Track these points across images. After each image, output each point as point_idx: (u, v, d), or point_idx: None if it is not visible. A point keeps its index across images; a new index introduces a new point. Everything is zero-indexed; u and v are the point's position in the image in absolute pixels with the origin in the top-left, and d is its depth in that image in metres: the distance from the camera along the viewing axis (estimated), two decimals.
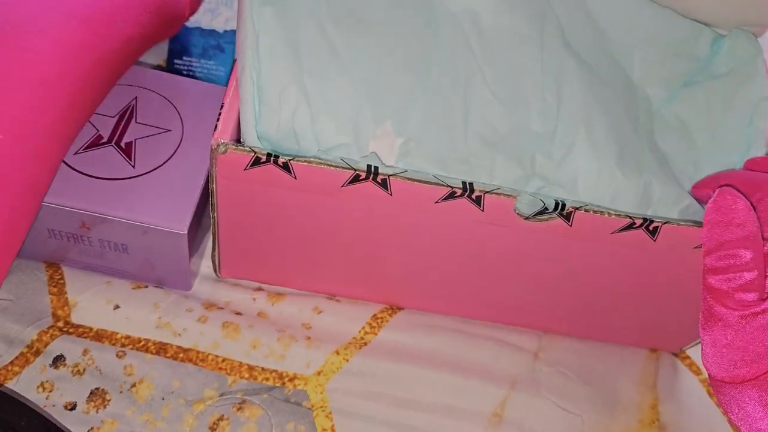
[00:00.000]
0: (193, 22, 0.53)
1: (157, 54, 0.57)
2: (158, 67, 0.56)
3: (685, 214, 0.39)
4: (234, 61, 0.53)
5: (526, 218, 0.37)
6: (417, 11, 0.40)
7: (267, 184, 0.36)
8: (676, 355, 0.51)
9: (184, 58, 0.53)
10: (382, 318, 0.48)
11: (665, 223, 0.37)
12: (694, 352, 0.51)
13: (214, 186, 0.37)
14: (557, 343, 0.50)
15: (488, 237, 0.39)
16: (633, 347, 0.51)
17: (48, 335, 0.44)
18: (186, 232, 0.40)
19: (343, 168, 0.35)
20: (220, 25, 0.54)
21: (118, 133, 0.43)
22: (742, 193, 0.34)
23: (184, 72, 0.54)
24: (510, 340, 0.49)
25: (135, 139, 0.43)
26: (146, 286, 0.46)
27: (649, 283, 0.42)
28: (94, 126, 0.43)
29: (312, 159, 0.35)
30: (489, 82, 0.39)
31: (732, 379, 0.31)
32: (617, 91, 0.42)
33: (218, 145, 0.34)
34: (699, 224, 0.37)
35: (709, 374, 0.33)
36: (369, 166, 0.35)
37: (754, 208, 0.33)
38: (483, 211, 0.36)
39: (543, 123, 0.39)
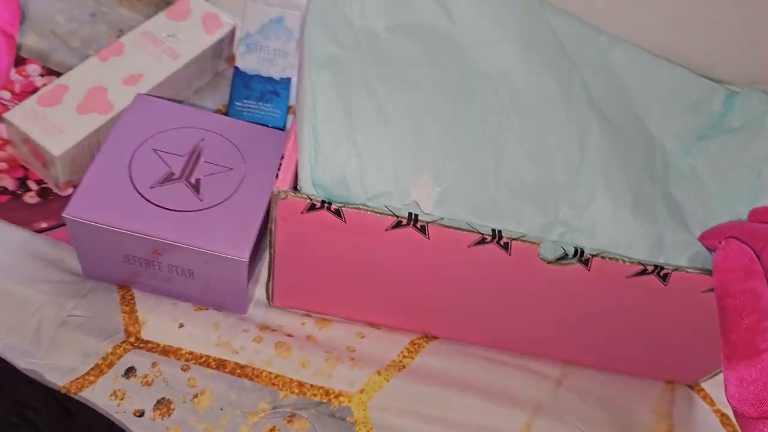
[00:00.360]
0: (252, 70, 0.59)
1: (219, 98, 0.63)
2: (219, 111, 0.62)
3: (695, 259, 0.43)
4: (288, 105, 0.59)
5: (549, 263, 0.41)
6: (455, 71, 0.45)
7: (320, 225, 0.41)
8: (691, 387, 0.55)
9: (245, 101, 0.59)
10: (419, 344, 0.53)
11: (675, 270, 0.41)
12: (709, 385, 0.55)
13: (273, 226, 0.42)
14: (579, 372, 0.54)
15: (515, 277, 0.43)
16: (650, 379, 0.54)
17: (121, 349, 0.49)
18: (247, 260, 0.45)
19: (387, 215, 0.39)
20: (276, 73, 0.60)
21: (188, 170, 0.48)
22: (745, 243, 0.37)
23: (245, 113, 0.59)
24: (535, 368, 0.53)
25: (202, 176, 0.48)
26: (207, 309, 0.52)
27: (663, 321, 0.46)
28: (167, 164, 0.48)
29: (360, 206, 0.40)
30: (519, 136, 0.44)
31: (760, 415, 0.33)
32: (636, 145, 0.46)
33: (279, 192, 0.39)
34: (706, 271, 0.41)
35: (734, 411, 0.34)
36: (410, 214, 0.40)
37: (758, 257, 0.37)
38: (510, 255, 0.41)
39: (567, 174, 0.44)
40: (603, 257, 0.40)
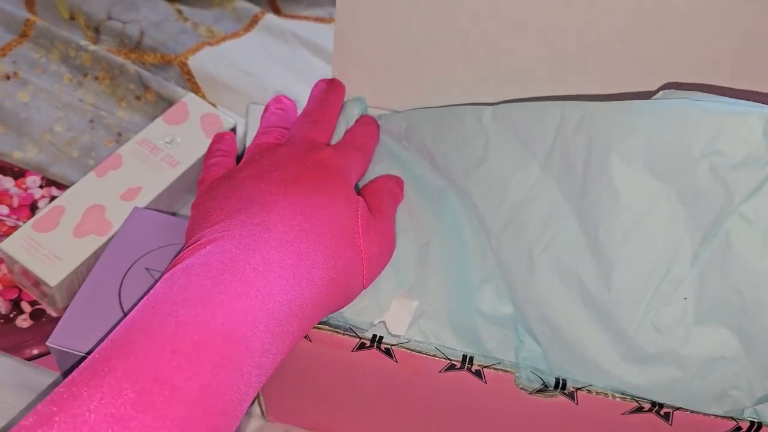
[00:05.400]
0: None
1: None
2: None
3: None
4: None
5: (530, 393, 0.37)
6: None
7: None
8: None
9: None
10: None
11: (677, 410, 0.35)
12: None
13: None
14: None
15: (497, 407, 0.39)
16: None
17: None
18: None
19: (351, 336, 0.37)
20: None
21: None
22: None
23: None
24: None
25: None
26: None
27: None
28: None
29: (323, 326, 0.37)
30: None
31: None
32: None
33: None
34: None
35: None
36: (374, 336, 0.37)
37: None
38: (486, 383, 0.37)
39: None
40: (589, 391, 0.36)
